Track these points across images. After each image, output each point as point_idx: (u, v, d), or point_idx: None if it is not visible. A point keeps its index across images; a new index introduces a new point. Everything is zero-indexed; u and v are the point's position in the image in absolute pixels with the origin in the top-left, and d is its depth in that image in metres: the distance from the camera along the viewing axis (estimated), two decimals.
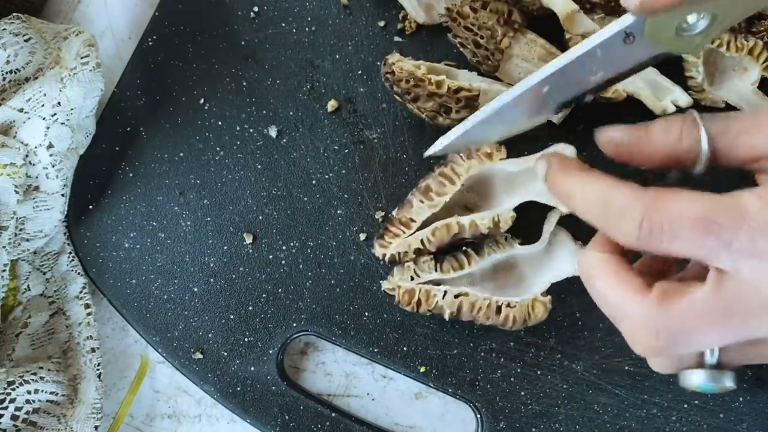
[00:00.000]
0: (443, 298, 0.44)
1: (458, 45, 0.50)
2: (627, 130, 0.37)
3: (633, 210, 0.33)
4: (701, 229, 0.31)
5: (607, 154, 0.37)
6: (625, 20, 0.33)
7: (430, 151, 0.41)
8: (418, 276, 0.46)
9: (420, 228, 0.46)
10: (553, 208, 0.46)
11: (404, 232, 0.45)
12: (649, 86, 0.48)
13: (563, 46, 0.48)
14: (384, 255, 0.46)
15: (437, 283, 0.46)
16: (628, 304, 0.34)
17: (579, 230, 0.47)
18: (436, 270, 0.46)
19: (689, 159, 0.36)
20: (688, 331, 0.32)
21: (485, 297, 0.44)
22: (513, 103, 0.37)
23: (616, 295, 0.35)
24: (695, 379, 0.35)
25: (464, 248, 0.46)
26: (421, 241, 0.45)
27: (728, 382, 0.34)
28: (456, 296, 0.45)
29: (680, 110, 0.48)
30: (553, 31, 0.48)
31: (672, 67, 0.49)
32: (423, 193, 0.45)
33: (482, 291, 0.45)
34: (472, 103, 0.46)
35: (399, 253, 0.46)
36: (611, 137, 0.37)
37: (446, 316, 0.45)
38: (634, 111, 0.48)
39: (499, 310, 0.44)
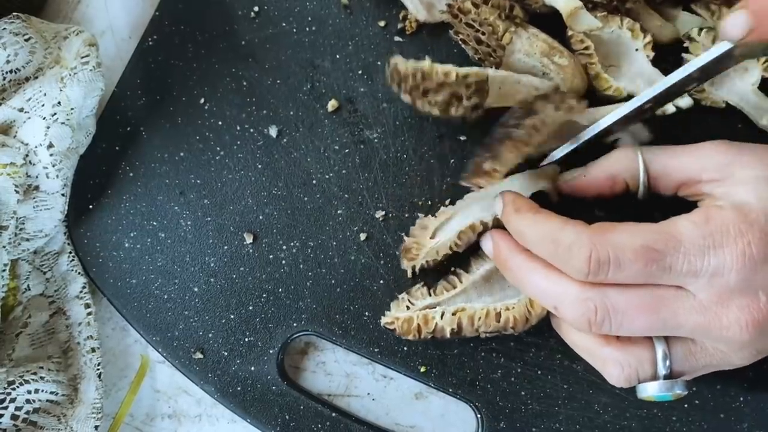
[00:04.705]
0: (441, 318, 0.45)
1: (460, 42, 0.50)
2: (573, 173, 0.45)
3: (581, 246, 0.36)
4: (644, 258, 0.35)
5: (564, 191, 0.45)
6: (720, 49, 0.37)
7: (547, 161, 0.47)
8: (413, 304, 0.46)
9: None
10: None
11: (489, 180, 0.45)
12: (650, 86, 0.48)
13: (565, 42, 0.48)
14: (413, 267, 0.47)
15: (433, 307, 0.46)
16: (564, 287, 0.38)
17: None
18: (430, 295, 0.46)
19: (627, 182, 0.42)
20: (619, 311, 0.37)
21: (482, 307, 0.45)
22: (621, 118, 0.43)
23: (550, 282, 0.39)
24: (650, 390, 0.39)
25: (453, 269, 0.47)
26: (450, 247, 0.46)
27: (679, 389, 0.38)
28: (453, 313, 0.45)
29: (681, 111, 0.48)
30: (554, 28, 0.48)
31: (672, 66, 0.49)
32: (515, 145, 0.44)
33: (480, 305, 0.45)
34: (482, 88, 0.45)
35: (428, 262, 0.47)
36: (566, 178, 0.45)
37: (447, 335, 0.44)
38: None
39: (498, 315, 0.44)
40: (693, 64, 0.40)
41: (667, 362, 0.38)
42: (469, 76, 0.45)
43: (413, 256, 0.47)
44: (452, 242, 0.46)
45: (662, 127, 0.49)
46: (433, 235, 0.47)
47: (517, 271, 0.42)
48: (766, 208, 0.35)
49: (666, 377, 0.38)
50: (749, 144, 0.40)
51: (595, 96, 0.49)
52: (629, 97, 0.48)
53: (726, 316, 0.35)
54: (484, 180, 0.45)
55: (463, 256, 0.47)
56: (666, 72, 0.48)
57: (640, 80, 0.48)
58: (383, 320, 0.46)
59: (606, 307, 0.37)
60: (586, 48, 0.48)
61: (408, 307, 0.46)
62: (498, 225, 0.46)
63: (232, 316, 0.50)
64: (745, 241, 0.34)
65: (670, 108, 0.48)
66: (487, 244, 0.45)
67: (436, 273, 0.48)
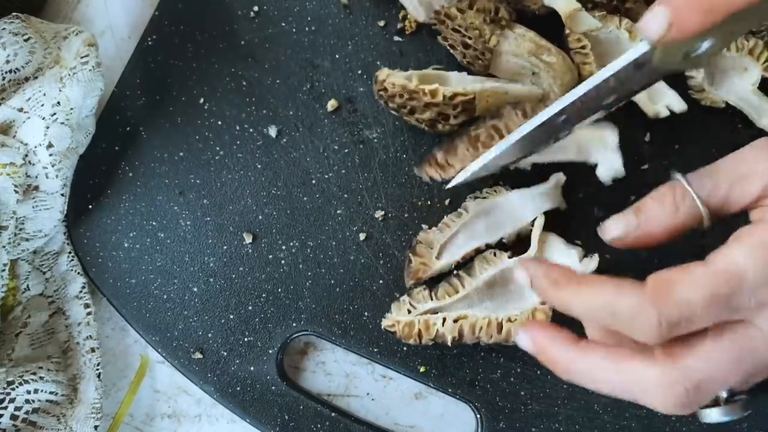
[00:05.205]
0: (443, 325, 0.44)
1: (448, 47, 0.50)
2: (624, 221, 0.37)
3: (646, 314, 0.33)
4: (711, 307, 0.33)
5: (618, 248, 0.38)
6: (636, 51, 0.34)
7: (453, 183, 0.43)
8: (415, 308, 0.46)
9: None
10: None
11: (440, 173, 0.45)
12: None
13: (563, 43, 0.48)
14: (416, 282, 0.47)
15: (435, 312, 0.46)
16: (641, 374, 0.34)
17: (568, 231, 0.48)
18: (431, 299, 0.46)
19: (692, 224, 0.37)
20: (709, 380, 0.34)
21: (485, 316, 0.44)
22: (530, 134, 0.38)
23: (623, 375, 0.35)
24: (714, 416, 0.36)
25: (455, 272, 0.47)
26: (453, 265, 0.47)
27: (743, 412, 0.36)
28: (455, 321, 0.45)
29: (674, 115, 0.48)
30: (552, 29, 0.48)
31: None
32: (471, 142, 0.44)
33: (482, 312, 0.45)
34: (469, 107, 0.46)
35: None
36: (614, 237, 0.38)
37: (449, 342, 0.44)
38: (630, 111, 0.48)
39: (500, 327, 0.44)
40: (606, 71, 0.36)
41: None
42: (456, 97, 0.45)
43: (421, 276, 0.47)
44: (456, 262, 0.47)
45: (662, 127, 0.49)
46: (439, 255, 0.47)
47: (575, 370, 0.36)
48: None
49: (727, 400, 0.36)
50: None
51: None
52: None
53: None
54: (435, 171, 0.45)
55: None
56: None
57: None
58: (384, 323, 0.46)
59: (695, 384, 0.34)
60: (583, 47, 0.48)
61: (409, 311, 0.46)
62: (508, 246, 0.46)
63: (231, 316, 0.50)
64: None
65: (663, 111, 0.48)
66: (524, 341, 0.38)
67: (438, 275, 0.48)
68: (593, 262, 0.45)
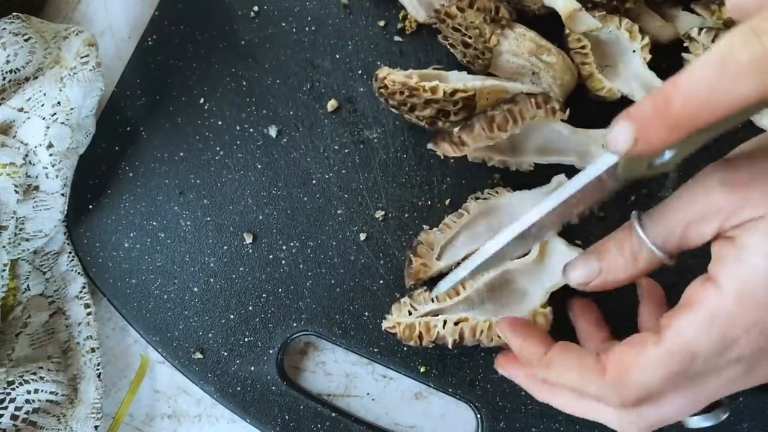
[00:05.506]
0: (443, 328, 0.44)
1: (448, 47, 0.50)
2: (586, 268, 0.39)
3: (608, 398, 0.36)
4: (667, 382, 0.35)
5: (581, 290, 0.40)
6: (600, 166, 0.35)
7: (435, 292, 0.44)
8: (416, 309, 0.46)
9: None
10: None
11: (454, 149, 0.45)
12: (644, 88, 0.48)
13: (563, 43, 0.48)
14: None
15: (436, 314, 0.46)
16: (601, 413, 0.38)
17: (569, 232, 0.48)
18: (432, 300, 0.46)
19: (654, 267, 0.38)
20: (664, 420, 0.37)
21: (485, 319, 0.44)
22: (503, 248, 0.40)
23: (586, 411, 0.39)
24: (694, 422, 0.39)
25: None
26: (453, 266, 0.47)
27: (723, 415, 0.38)
28: (456, 323, 0.44)
29: None
30: (552, 29, 0.48)
31: (671, 66, 0.49)
32: (487, 122, 0.44)
33: (483, 314, 0.45)
34: (469, 104, 0.46)
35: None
36: (577, 282, 0.40)
37: (449, 345, 0.44)
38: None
39: None
40: (575, 183, 0.36)
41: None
42: (456, 93, 0.45)
43: (421, 277, 0.47)
44: (456, 263, 0.46)
45: None
46: (440, 257, 0.47)
47: (544, 397, 0.41)
48: None
49: (707, 408, 0.38)
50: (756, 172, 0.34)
51: (585, 94, 0.49)
52: (623, 98, 0.48)
53: (761, 373, 0.35)
54: (450, 146, 0.45)
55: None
56: (665, 72, 0.48)
57: (635, 82, 0.48)
58: (384, 324, 0.46)
59: (650, 424, 0.37)
60: (583, 47, 0.48)
61: (410, 312, 0.46)
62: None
63: (231, 316, 0.50)
64: (756, 332, 0.33)
65: None
66: (502, 370, 0.44)
67: (438, 275, 0.48)
68: None
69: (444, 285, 0.43)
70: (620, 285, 0.39)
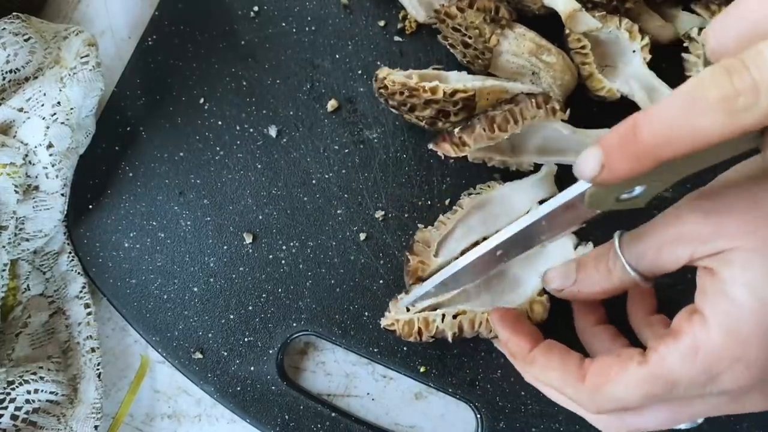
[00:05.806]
0: (442, 322, 0.44)
1: (448, 47, 0.50)
2: (563, 276, 0.41)
3: (584, 403, 0.37)
4: (645, 401, 0.35)
5: (556, 296, 0.43)
6: (568, 194, 0.35)
7: (403, 303, 0.46)
8: (414, 306, 0.46)
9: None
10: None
11: (455, 149, 0.45)
12: (643, 88, 0.48)
13: (563, 43, 0.48)
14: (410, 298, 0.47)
15: (434, 308, 0.46)
16: (584, 413, 0.39)
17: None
18: (407, 309, 0.46)
19: (628, 285, 0.38)
20: (640, 426, 0.37)
21: (483, 311, 0.44)
22: (469, 267, 0.42)
23: (571, 405, 0.39)
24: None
25: None
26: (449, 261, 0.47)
27: (699, 419, 0.39)
28: (454, 316, 0.44)
29: None
30: (552, 29, 0.48)
31: (671, 66, 0.49)
32: (487, 123, 0.44)
33: (480, 305, 0.45)
34: (469, 104, 0.46)
35: None
36: (553, 288, 0.42)
37: (449, 338, 0.44)
38: (630, 111, 0.48)
39: None
40: (541, 209, 0.37)
41: None
42: (456, 93, 0.45)
43: (420, 275, 0.47)
44: (454, 258, 0.46)
45: None
46: (437, 253, 0.47)
47: (528, 379, 0.42)
48: (762, 308, 0.32)
49: None
50: (731, 200, 0.34)
51: (585, 94, 0.49)
52: (623, 98, 0.48)
53: (750, 403, 0.36)
54: (450, 147, 0.45)
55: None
56: (665, 72, 0.48)
57: (635, 82, 0.48)
58: (383, 322, 0.46)
59: (628, 428, 0.38)
60: (583, 47, 0.48)
61: (408, 309, 0.46)
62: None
63: (231, 316, 0.50)
64: (741, 367, 0.33)
65: None
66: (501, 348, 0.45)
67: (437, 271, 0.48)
68: (587, 249, 0.46)
69: (407, 299, 0.45)
70: (594, 298, 0.41)
